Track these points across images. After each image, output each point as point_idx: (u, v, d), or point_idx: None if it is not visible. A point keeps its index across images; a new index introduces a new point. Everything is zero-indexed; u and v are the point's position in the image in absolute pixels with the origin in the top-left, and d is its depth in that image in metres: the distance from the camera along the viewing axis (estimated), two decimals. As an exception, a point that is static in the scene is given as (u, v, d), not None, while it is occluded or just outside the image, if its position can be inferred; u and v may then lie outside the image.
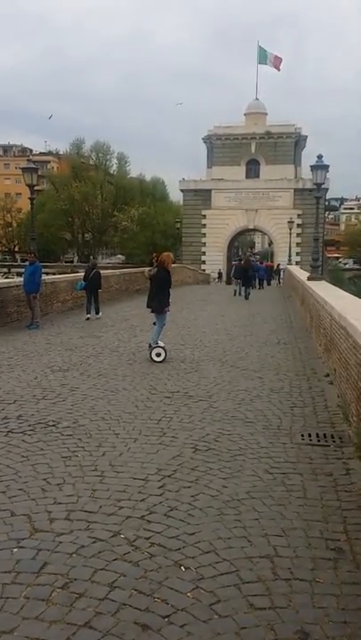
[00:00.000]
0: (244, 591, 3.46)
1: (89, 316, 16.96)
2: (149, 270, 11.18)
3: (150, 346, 10.84)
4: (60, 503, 4.57)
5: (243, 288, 27.05)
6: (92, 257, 21.65)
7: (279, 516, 4.43)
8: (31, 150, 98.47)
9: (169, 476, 5.14)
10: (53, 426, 6.54)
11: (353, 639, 3.07)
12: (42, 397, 7.76)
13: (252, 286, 29.90)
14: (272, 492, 4.86)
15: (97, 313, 17.33)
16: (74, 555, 3.80)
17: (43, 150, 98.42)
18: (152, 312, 11.02)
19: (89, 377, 9.10)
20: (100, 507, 4.51)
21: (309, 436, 6.41)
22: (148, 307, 11.04)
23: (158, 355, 10.44)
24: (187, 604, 3.31)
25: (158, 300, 10.85)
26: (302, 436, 6.41)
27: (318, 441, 6.26)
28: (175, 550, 3.89)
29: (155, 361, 10.35)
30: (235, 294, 28.17)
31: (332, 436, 6.39)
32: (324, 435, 6.45)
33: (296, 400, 7.91)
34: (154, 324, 11.08)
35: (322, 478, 5.20)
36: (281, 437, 6.32)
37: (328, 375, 9.14)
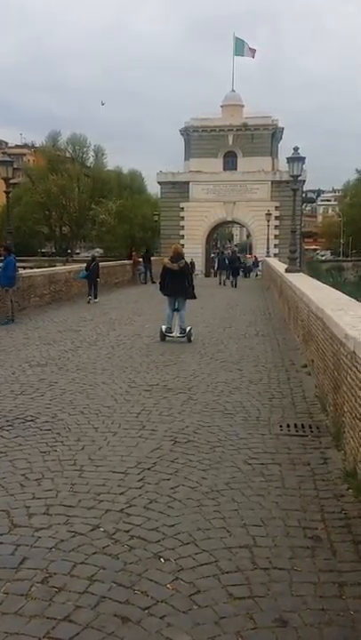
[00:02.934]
0: (223, 581, 3.48)
1: (90, 298, 20.37)
2: (172, 263, 12.38)
3: (166, 330, 12.26)
4: (38, 498, 4.55)
5: (231, 277, 31.54)
6: (93, 253, 24.03)
7: (258, 507, 4.47)
8: (6, 143, 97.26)
9: (148, 469, 5.15)
10: (32, 421, 6.51)
11: (330, 625, 3.11)
12: (20, 392, 7.72)
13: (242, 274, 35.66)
14: (251, 483, 4.90)
15: (95, 297, 20.51)
16: (53, 549, 3.79)
17: (18, 143, 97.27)
18: (176, 297, 12.43)
19: (67, 371, 9.06)
20: (80, 501, 4.51)
21: (288, 426, 6.47)
22: (166, 294, 12.54)
23: (187, 333, 12.18)
24: (166, 596, 3.32)
25: (192, 287, 12.64)
26: (281, 426, 6.46)
27: (297, 431, 6.32)
28: (155, 542, 3.90)
29: (186, 341, 11.98)
30: (220, 283, 32.60)
31: (310, 426, 6.45)
32: (303, 425, 6.51)
33: (275, 391, 7.97)
34: (174, 309, 12.38)
35: (300, 468, 5.26)
36: (260, 428, 6.37)
37: (306, 366, 9.22)
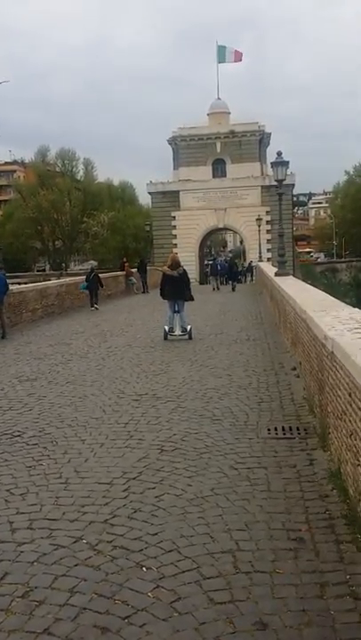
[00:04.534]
0: (204, 587, 3.48)
1: (95, 308, 22.13)
2: (170, 270, 13.87)
3: (169, 330, 13.64)
4: (22, 513, 4.54)
5: (230, 282, 35.60)
6: (92, 265, 25.13)
7: (242, 511, 4.47)
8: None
9: (134, 479, 5.15)
10: (19, 436, 6.50)
11: (310, 626, 3.11)
12: (8, 408, 7.71)
13: (238, 280, 37.87)
14: (236, 488, 4.90)
15: (94, 305, 22.26)
16: (35, 563, 3.79)
17: (8, 159, 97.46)
18: (175, 301, 13.77)
19: (57, 385, 9.07)
20: (64, 513, 4.50)
21: (275, 429, 6.47)
22: (166, 298, 14.00)
23: (188, 331, 13.57)
24: (147, 604, 3.32)
25: (188, 291, 14.10)
26: (268, 430, 6.47)
27: (284, 434, 6.32)
28: (137, 551, 3.90)
29: (187, 338, 13.35)
30: (213, 289, 34.54)
31: (298, 429, 6.46)
32: (290, 427, 6.52)
33: (263, 395, 7.98)
34: (175, 311, 13.76)
35: (286, 470, 5.26)
36: (247, 433, 6.37)
37: (295, 368, 9.23)
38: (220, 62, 60.58)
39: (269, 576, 3.58)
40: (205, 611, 3.26)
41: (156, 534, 4.13)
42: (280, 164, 17.34)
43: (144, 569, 3.69)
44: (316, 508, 4.46)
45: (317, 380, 6.41)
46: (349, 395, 4.39)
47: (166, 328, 13.70)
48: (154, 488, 4.94)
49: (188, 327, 13.69)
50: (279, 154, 17.33)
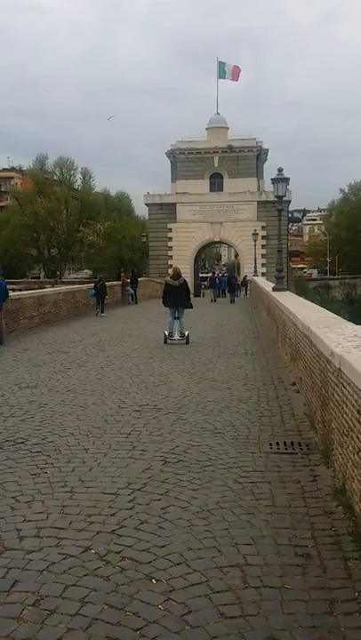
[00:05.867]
0: (214, 601, 3.49)
1: (98, 312, 23.91)
2: (173, 280, 15.37)
3: (168, 335, 14.88)
4: (29, 520, 4.54)
5: (229, 294, 38.13)
6: (99, 276, 27.47)
7: (248, 525, 4.48)
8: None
9: (139, 490, 5.16)
10: (22, 443, 6.49)
11: (321, 643, 3.12)
12: (9, 415, 7.70)
13: (237, 293, 39.85)
14: (241, 502, 4.91)
15: (102, 312, 23.97)
16: (44, 572, 3.79)
17: (6, 166, 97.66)
18: (176, 308, 15.09)
19: (57, 393, 9.06)
20: (71, 523, 4.50)
21: (277, 444, 6.50)
22: (167, 305, 15.35)
23: (186, 336, 14.82)
24: (158, 617, 3.32)
25: (189, 299, 15.74)
26: (270, 444, 6.49)
27: (286, 449, 6.34)
28: (146, 563, 3.91)
29: (185, 342, 14.64)
30: (211, 301, 37.09)
31: (300, 444, 6.49)
32: (292, 443, 6.54)
33: (264, 409, 8.00)
34: (175, 318, 15.03)
35: (290, 486, 5.28)
36: (250, 447, 6.39)
37: (294, 384, 9.27)
38: (220, 78, 61.18)
39: (278, 591, 3.60)
40: (216, 625, 3.27)
41: (164, 546, 4.13)
42: (281, 180, 17.48)
43: (154, 581, 3.70)
44: (322, 525, 4.48)
45: (320, 396, 6.44)
46: (358, 412, 4.42)
47: (166, 333, 14.93)
48: (159, 500, 4.95)
49: (186, 332, 14.96)
50: (280, 170, 17.49)
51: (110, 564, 3.89)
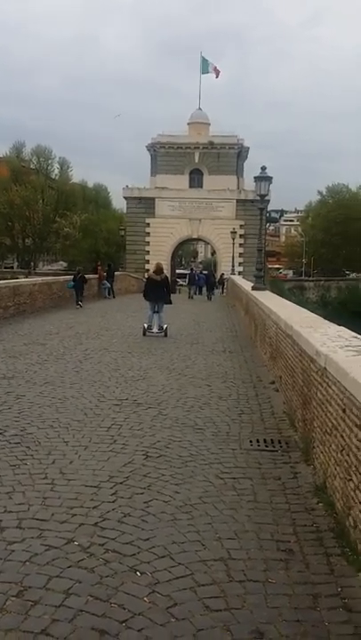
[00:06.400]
0: (199, 594, 3.50)
1: (79, 305, 23.99)
2: (155, 275, 15.96)
3: (148, 327, 15.36)
4: (10, 512, 4.49)
5: (206, 292, 38.29)
6: (78, 267, 28.24)
7: (231, 520, 4.50)
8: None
9: (121, 483, 5.14)
10: (0, 434, 6.42)
11: (306, 637, 3.15)
12: (-13, 405, 7.60)
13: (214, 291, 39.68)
14: (223, 497, 4.93)
15: (80, 303, 24.18)
16: (27, 562, 3.75)
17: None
18: (156, 302, 15.55)
19: (35, 384, 8.97)
20: (53, 514, 4.47)
21: (257, 441, 6.53)
22: (148, 299, 15.78)
23: (164, 330, 15.35)
24: (144, 609, 3.32)
25: (169, 295, 16.18)
26: (251, 441, 6.52)
27: (266, 446, 6.39)
28: (130, 556, 3.90)
29: (163, 335, 15.14)
30: (189, 297, 36.65)
31: (280, 442, 6.54)
32: (272, 440, 6.59)
33: (244, 407, 8.04)
34: (155, 312, 15.47)
35: (271, 482, 5.32)
36: (230, 443, 6.42)
37: (274, 382, 9.33)
38: (203, 73, 61.26)
39: (262, 585, 3.62)
40: (202, 617, 3.28)
41: (147, 539, 4.13)
42: (264, 178, 17.52)
43: (138, 573, 3.70)
44: (304, 521, 4.52)
45: (302, 395, 6.50)
46: (343, 410, 4.47)
47: (145, 325, 15.44)
48: (142, 493, 4.94)
49: (165, 326, 15.46)
50: (263, 168, 17.53)
51: (94, 557, 3.87)
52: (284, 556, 3.98)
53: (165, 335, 15.20)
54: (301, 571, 3.81)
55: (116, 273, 36.07)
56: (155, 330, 15.33)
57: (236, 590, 3.56)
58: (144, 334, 15.19)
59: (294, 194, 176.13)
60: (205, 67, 61.58)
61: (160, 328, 15.39)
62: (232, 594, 3.52)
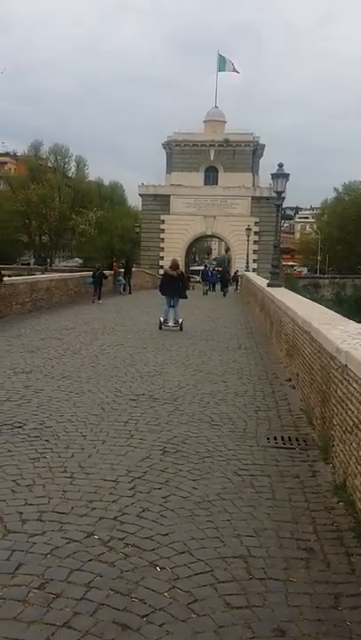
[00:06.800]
0: (220, 590, 3.49)
1: (98, 301, 24.30)
2: (171, 270, 16.55)
3: (164, 321, 15.90)
4: (31, 504, 4.51)
5: (222, 288, 39.10)
6: (97, 264, 28.53)
7: (250, 517, 4.48)
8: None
9: (139, 478, 5.14)
10: (20, 427, 6.44)
11: (328, 636, 3.13)
12: (6, 399, 7.63)
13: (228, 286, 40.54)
14: (242, 494, 4.91)
15: (99, 299, 24.51)
16: (48, 555, 3.76)
17: (0, 151, 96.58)
18: (172, 297, 16.07)
19: (53, 379, 9.00)
20: (72, 508, 4.48)
21: (275, 438, 6.51)
22: (164, 294, 16.31)
23: (180, 323, 15.82)
24: (164, 604, 3.31)
25: (185, 290, 16.93)
26: (268, 438, 6.49)
27: (284, 444, 6.35)
28: (150, 551, 3.89)
29: (178, 329, 15.63)
30: (203, 294, 36.80)
31: (297, 439, 6.50)
32: (289, 437, 6.56)
33: (260, 404, 8.01)
34: (170, 306, 16.02)
35: (289, 480, 5.29)
36: (247, 440, 6.40)
37: (290, 380, 9.29)
38: (220, 71, 61.02)
39: (283, 584, 3.60)
40: (223, 614, 3.27)
41: (166, 535, 4.12)
42: (280, 175, 17.46)
43: (158, 568, 3.69)
44: (324, 520, 4.49)
45: (320, 393, 6.46)
46: (365, 409, 4.43)
47: (161, 319, 15.96)
48: (160, 488, 4.94)
49: (180, 320, 15.89)
50: (280, 165, 17.46)
51: (114, 550, 3.87)
52: (305, 555, 3.95)
53: (181, 329, 15.59)
54: (322, 570, 3.78)
55: (132, 269, 36.21)
56: (170, 323, 15.81)
57: (257, 588, 3.54)
58: (160, 328, 15.62)
59: (310, 191, 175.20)
60: (222, 64, 61.36)
61: (175, 322, 15.85)
62: (253, 591, 3.50)
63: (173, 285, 16.20)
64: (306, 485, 5.17)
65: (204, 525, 4.31)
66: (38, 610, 3.19)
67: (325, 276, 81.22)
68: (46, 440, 6.05)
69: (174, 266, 16.73)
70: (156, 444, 6.09)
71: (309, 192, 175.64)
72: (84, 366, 10.12)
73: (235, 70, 62.05)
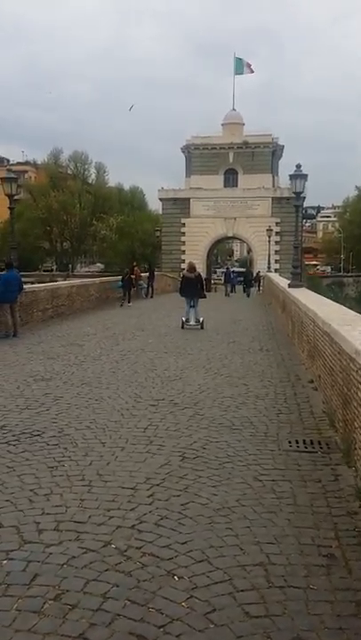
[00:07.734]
0: (238, 600, 3.42)
1: (128, 304, 25.39)
2: (189, 273, 17.74)
3: (185, 320, 16.89)
4: (48, 514, 4.49)
5: (245, 289, 40.55)
6: (126, 269, 28.97)
7: (270, 524, 4.41)
8: (8, 160, 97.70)
9: (158, 485, 5.10)
10: (38, 435, 6.45)
11: (350, 645, 3.05)
12: (25, 407, 7.66)
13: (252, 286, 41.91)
14: (262, 500, 4.84)
15: (129, 302, 25.60)
16: (65, 566, 3.73)
17: (20, 160, 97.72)
18: (192, 298, 17.14)
19: (72, 386, 9.01)
20: (90, 517, 4.45)
21: (296, 442, 6.41)
22: (184, 295, 17.48)
23: (201, 322, 16.75)
24: (182, 614, 3.26)
25: (203, 290, 17.83)
26: (290, 442, 6.40)
27: (306, 447, 6.25)
28: (168, 560, 3.84)
29: (200, 328, 16.56)
30: (225, 295, 38.16)
31: (319, 443, 6.39)
32: (311, 441, 6.45)
33: (282, 407, 7.91)
34: (191, 306, 17.03)
35: (311, 485, 5.20)
36: (268, 444, 6.31)
37: (312, 381, 9.17)
38: (237, 74, 61.03)
39: (303, 592, 3.52)
40: (242, 624, 3.20)
41: (185, 543, 4.07)
42: (299, 176, 17.32)
43: (176, 578, 3.64)
44: (346, 525, 4.40)
45: (342, 395, 6.35)
46: (385, 411, 4.33)
47: (183, 319, 16.98)
48: (179, 496, 4.89)
49: (201, 319, 16.82)
50: (298, 166, 17.33)
51: (131, 560, 3.83)
52: (326, 562, 3.86)
53: (202, 327, 16.51)
54: (344, 577, 3.70)
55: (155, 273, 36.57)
56: (192, 322, 16.77)
57: (277, 596, 3.47)
58: (182, 327, 16.66)
59: (332, 189, 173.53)
60: (239, 67, 61.34)
61: (197, 320, 16.79)
62: (272, 600, 3.43)
63: (192, 287, 17.20)
64: (328, 490, 5.07)
65: (223, 533, 4.24)
66: (54, 621, 3.16)
67: (349, 274, 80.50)
68: (64, 448, 6.04)
69: (191, 269, 17.87)
70: (176, 450, 6.04)
71: (332, 188, 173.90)
72: (104, 372, 10.12)
73: (250, 70, 61.97)
